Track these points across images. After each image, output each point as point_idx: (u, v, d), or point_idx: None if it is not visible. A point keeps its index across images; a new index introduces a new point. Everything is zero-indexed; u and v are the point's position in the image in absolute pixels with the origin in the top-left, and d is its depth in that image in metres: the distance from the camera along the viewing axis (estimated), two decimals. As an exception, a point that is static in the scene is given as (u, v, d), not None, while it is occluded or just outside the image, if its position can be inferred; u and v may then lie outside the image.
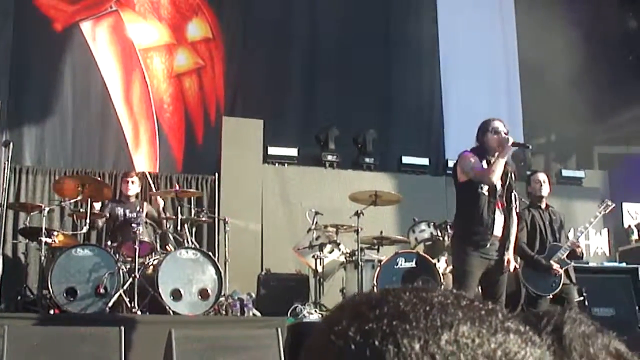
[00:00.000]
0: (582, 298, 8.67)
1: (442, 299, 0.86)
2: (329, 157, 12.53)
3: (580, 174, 13.71)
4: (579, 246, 8.55)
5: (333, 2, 14.00)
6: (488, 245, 6.88)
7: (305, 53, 13.86)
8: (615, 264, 11.15)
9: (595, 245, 12.96)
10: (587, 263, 11.05)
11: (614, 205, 9.06)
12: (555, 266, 8.23)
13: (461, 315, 0.84)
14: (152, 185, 10.89)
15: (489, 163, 6.93)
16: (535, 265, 8.29)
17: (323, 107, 13.50)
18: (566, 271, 8.40)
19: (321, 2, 14.12)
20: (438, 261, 9.64)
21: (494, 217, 6.90)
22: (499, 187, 6.94)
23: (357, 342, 0.83)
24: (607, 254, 12.86)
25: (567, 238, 8.63)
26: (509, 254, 6.98)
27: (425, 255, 9.62)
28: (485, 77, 14.79)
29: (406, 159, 12.96)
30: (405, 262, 9.48)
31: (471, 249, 6.85)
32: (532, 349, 0.85)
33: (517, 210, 7.20)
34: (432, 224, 10.21)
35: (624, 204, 12.97)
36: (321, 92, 13.64)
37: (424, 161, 13.09)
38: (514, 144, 7.01)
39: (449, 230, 9.82)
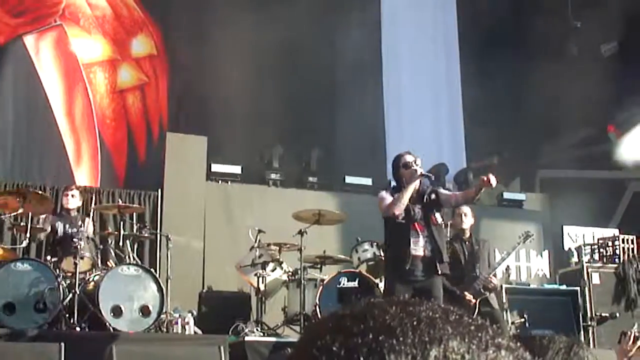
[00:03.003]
0: (522, 320, 8.81)
1: (430, 313, 0.84)
2: (273, 176, 12.51)
3: (521, 196, 13.85)
4: (490, 282, 8.81)
5: (277, 19, 13.97)
6: (408, 268, 7.20)
7: (250, 70, 13.79)
8: (555, 286, 11.27)
9: (536, 267, 13.06)
10: (528, 285, 11.18)
11: (533, 235, 9.51)
12: (468, 297, 8.52)
13: (450, 331, 0.81)
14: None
15: None
16: (451, 296, 8.44)
17: (267, 125, 13.44)
18: (485, 300, 8.73)
19: (266, 21, 14.10)
20: (380, 281, 9.63)
21: (409, 240, 7.25)
22: (416, 210, 7.37)
23: (341, 357, 0.80)
24: (548, 276, 12.97)
25: (489, 264, 8.94)
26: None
27: (368, 275, 9.62)
28: (427, 100, 14.90)
29: (349, 179, 12.95)
30: (347, 281, 9.48)
31: (394, 275, 7.39)
32: None
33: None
34: (375, 244, 10.18)
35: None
36: (266, 110, 13.59)
37: (367, 181, 13.09)
38: (420, 175, 7.42)
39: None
